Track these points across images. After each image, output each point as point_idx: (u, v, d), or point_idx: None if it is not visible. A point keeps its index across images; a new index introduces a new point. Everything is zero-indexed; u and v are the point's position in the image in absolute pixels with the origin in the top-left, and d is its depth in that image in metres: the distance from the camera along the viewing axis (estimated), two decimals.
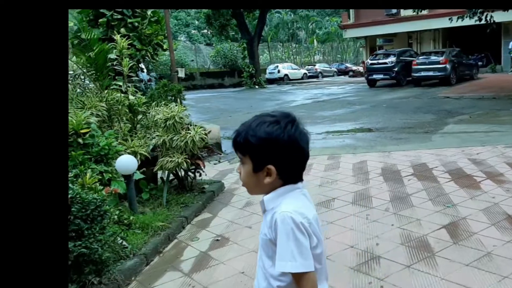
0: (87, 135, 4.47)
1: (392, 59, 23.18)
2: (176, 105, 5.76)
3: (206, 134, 5.84)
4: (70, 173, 3.49)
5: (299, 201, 1.45)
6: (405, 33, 31.68)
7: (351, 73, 40.26)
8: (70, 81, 6.39)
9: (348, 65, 46.37)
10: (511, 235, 3.86)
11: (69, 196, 2.73)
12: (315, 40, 54.64)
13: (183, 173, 5.83)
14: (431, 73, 21.51)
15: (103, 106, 5.87)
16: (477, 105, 13.72)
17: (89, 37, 6.52)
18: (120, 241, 3.48)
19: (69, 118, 4.65)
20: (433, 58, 22.00)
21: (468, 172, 6.17)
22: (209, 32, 50.83)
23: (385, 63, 23.23)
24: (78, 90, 6.17)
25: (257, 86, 30.08)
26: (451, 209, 4.67)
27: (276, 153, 1.42)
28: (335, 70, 44.04)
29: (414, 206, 4.87)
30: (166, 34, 10.83)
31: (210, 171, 7.31)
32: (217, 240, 4.32)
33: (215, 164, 8.28)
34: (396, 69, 22.88)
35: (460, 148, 7.94)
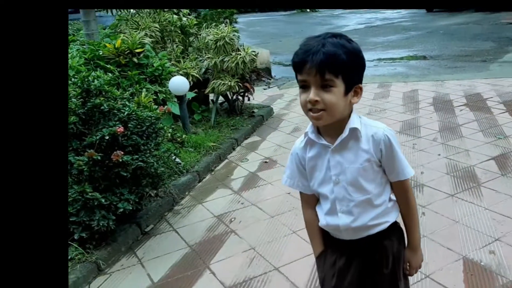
0: (141, 55, 4.53)
1: None
2: (225, 26, 5.67)
3: (256, 56, 5.76)
4: (126, 92, 3.57)
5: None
6: None
7: None
8: None
9: None
10: None
11: (126, 113, 2.82)
12: None
13: (232, 96, 5.87)
14: None
15: (156, 27, 5.87)
16: None
17: None
18: (174, 158, 3.64)
19: (125, 38, 4.71)
20: None
21: None
22: None
23: None
24: (133, 10, 6.15)
25: (308, 10, 28.77)
26: (503, 141, 4.48)
27: (362, 70, 1.36)
28: None
29: (463, 136, 4.70)
30: None
31: (259, 96, 7.32)
32: (266, 162, 4.43)
33: (264, 89, 8.25)
34: None
35: None
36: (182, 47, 6.03)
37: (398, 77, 8.47)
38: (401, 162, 1.41)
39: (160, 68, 4.64)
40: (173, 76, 4.75)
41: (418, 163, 4.03)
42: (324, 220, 1.48)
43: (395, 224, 1.50)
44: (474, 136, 4.69)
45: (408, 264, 1.55)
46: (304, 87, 1.31)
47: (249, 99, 6.06)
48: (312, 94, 1.28)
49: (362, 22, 19.76)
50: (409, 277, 1.60)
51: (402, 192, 1.48)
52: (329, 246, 1.54)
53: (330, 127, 1.37)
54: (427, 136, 4.80)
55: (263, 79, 8.95)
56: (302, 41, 1.34)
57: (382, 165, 1.41)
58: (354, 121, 1.36)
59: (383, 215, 1.44)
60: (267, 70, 9.47)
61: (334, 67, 1.26)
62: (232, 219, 3.28)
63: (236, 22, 8.48)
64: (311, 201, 1.54)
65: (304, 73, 1.27)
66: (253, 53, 5.64)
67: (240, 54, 5.45)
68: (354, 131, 1.37)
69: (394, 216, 1.48)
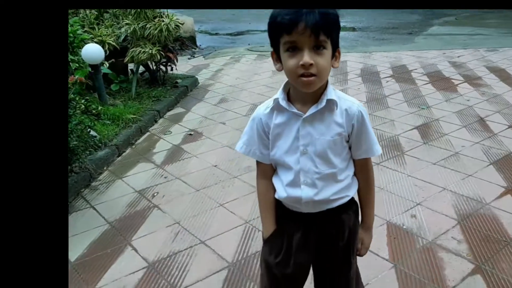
0: None
1: None
2: None
3: (181, 23, 5.63)
4: None
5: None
6: None
7: None
8: None
9: None
10: (480, 136, 4.04)
11: None
12: None
13: (154, 66, 5.71)
14: None
15: None
16: None
17: None
18: (89, 131, 3.48)
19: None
20: None
21: (447, 75, 6.26)
22: None
23: None
24: None
25: None
26: (425, 111, 4.81)
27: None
28: None
29: (389, 107, 4.97)
30: None
31: (183, 66, 7.19)
32: (190, 134, 4.38)
33: (189, 59, 8.11)
34: None
35: (441, 50, 7.95)
36: (96, 13, 5.71)
37: None
38: (372, 139, 1.43)
39: (71, 35, 4.38)
40: (86, 44, 4.51)
41: None
42: (284, 192, 1.45)
43: (352, 199, 1.51)
44: (399, 107, 4.97)
45: (361, 243, 1.58)
46: (294, 49, 1.24)
47: (172, 69, 5.93)
48: (307, 57, 1.22)
49: None
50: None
51: (365, 171, 1.50)
52: (282, 220, 1.51)
53: (308, 95, 1.34)
54: None
55: (187, 48, 8.78)
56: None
57: (350, 141, 1.41)
58: (331, 92, 1.35)
59: (345, 190, 1.45)
60: (192, 39, 9.29)
61: (328, 27, 1.23)
62: (155, 194, 3.23)
63: None
64: (268, 171, 1.50)
65: (295, 34, 1.21)
66: (178, 20, 5.50)
67: (163, 21, 5.28)
68: (330, 103, 1.34)
69: (354, 191, 1.49)
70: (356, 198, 1.53)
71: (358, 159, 1.45)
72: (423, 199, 3.02)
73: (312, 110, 1.34)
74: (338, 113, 1.36)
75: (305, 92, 1.32)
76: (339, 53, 1.34)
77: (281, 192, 1.46)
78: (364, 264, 2.38)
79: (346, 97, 1.39)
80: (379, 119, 4.58)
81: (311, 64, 1.23)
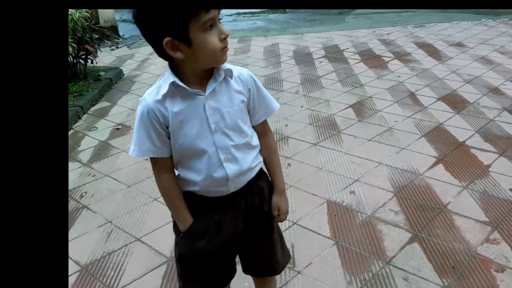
0: None
1: None
2: None
3: (92, 14, 5.46)
4: None
5: None
6: None
7: None
8: None
9: None
10: (412, 110, 4.28)
11: None
12: None
13: (71, 59, 5.50)
14: None
15: None
16: None
17: None
18: None
19: None
20: None
21: (377, 53, 6.54)
22: None
23: None
24: None
25: None
26: (359, 89, 5.00)
27: None
28: None
29: (323, 87, 5.13)
30: None
31: (106, 57, 6.99)
32: (118, 129, 4.28)
33: (112, 49, 7.88)
34: None
35: (371, 29, 8.29)
36: None
37: (258, 31, 8.80)
38: (268, 96, 1.52)
39: None
40: None
41: (282, 116, 4.29)
42: (206, 180, 1.42)
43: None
44: (333, 87, 5.14)
45: (278, 209, 1.62)
46: (211, 27, 1.27)
47: (92, 62, 5.74)
48: (224, 29, 1.29)
49: None
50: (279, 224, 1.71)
51: (268, 133, 1.57)
52: (204, 210, 1.50)
53: (206, 72, 1.35)
54: (290, 89, 5.12)
55: (109, 39, 8.53)
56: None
57: (250, 106, 1.47)
58: (225, 63, 1.38)
59: (258, 155, 1.53)
60: (114, 29, 9.03)
61: None
62: (83, 194, 3.13)
63: None
64: (168, 164, 1.46)
65: (211, 11, 1.24)
66: (86, 12, 5.32)
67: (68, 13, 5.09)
68: (227, 72, 1.38)
69: (261, 157, 1.57)
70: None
71: (259, 123, 1.52)
72: (360, 175, 3.15)
73: (212, 85, 1.35)
74: (233, 82, 1.41)
75: (203, 70, 1.34)
76: None
77: (203, 180, 1.43)
78: (306, 243, 2.48)
79: (232, 66, 1.43)
80: (314, 100, 4.71)
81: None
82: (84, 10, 5.29)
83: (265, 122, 1.54)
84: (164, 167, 1.46)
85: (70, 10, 5.07)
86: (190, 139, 1.38)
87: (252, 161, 1.49)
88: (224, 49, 1.30)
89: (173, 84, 1.32)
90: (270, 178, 1.63)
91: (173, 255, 2.44)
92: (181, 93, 1.34)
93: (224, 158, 1.41)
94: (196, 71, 1.34)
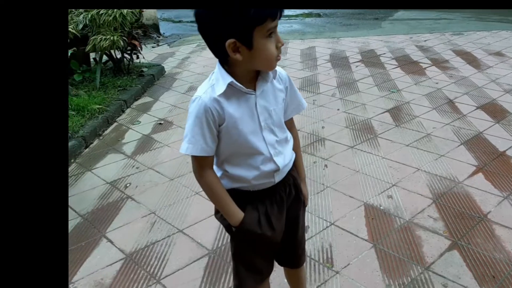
0: None
1: None
2: None
3: (140, 11, 5.55)
4: None
5: None
6: None
7: None
8: None
9: None
10: (450, 117, 4.19)
11: None
12: None
13: (118, 55, 5.61)
14: None
15: None
16: None
17: None
18: None
19: None
20: None
21: (415, 59, 6.43)
22: None
23: None
24: None
25: None
26: (395, 94, 4.93)
27: None
28: None
29: (360, 91, 5.08)
30: None
31: (148, 54, 7.10)
32: (160, 123, 4.35)
33: (153, 47, 8.01)
34: None
35: (408, 35, 8.15)
36: None
37: (294, 34, 8.77)
38: (299, 94, 1.61)
39: None
40: None
41: (319, 118, 4.27)
42: (258, 174, 1.46)
43: None
44: (369, 91, 5.08)
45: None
46: (271, 34, 1.31)
47: (137, 57, 5.84)
48: (281, 39, 1.35)
49: None
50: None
51: (294, 128, 1.67)
52: (248, 206, 1.51)
53: (254, 74, 1.40)
54: (326, 92, 5.09)
55: (151, 35, 8.66)
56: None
57: (285, 102, 1.53)
58: None
59: (292, 148, 1.60)
60: (155, 27, 9.17)
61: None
62: (128, 185, 3.20)
63: None
64: (211, 161, 1.47)
65: (276, 20, 1.29)
66: None
67: None
68: (274, 74, 1.45)
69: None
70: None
71: (289, 118, 1.60)
72: (398, 180, 3.11)
73: (262, 85, 1.41)
74: (275, 81, 1.47)
75: (254, 71, 1.39)
76: None
77: (253, 176, 1.46)
78: (344, 245, 2.46)
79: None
80: (351, 103, 4.67)
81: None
82: None
83: (292, 117, 1.63)
84: (209, 164, 1.47)
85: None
86: (244, 136, 1.40)
87: (291, 153, 1.58)
88: (278, 57, 1.35)
89: (230, 84, 1.34)
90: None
91: (214, 248, 2.47)
92: (236, 93, 1.37)
93: (274, 152, 1.47)
94: (249, 72, 1.38)
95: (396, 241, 2.47)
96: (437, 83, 5.28)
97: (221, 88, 1.34)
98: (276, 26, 1.31)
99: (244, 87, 1.36)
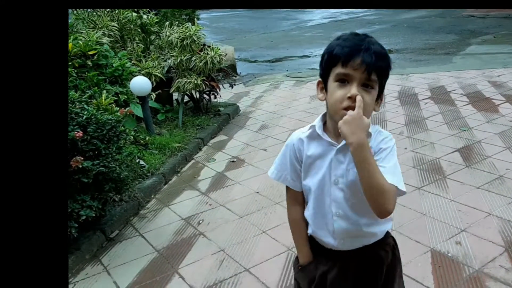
0: (95, 57, 4.43)
1: None
2: (191, 25, 5.64)
3: (224, 56, 5.77)
4: (85, 94, 3.52)
5: None
6: None
7: None
8: None
9: None
10: None
11: (85, 117, 2.77)
12: None
13: (198, 95, 5.85)
14: None
15: (114, 26, 5.76)
16: (503, 24, 13.09)
17: None
18: (138, 161, 3.59)
19: (81, 37, 4.60)
20: None
21: (487, 95, 6.06)
22: None
23: None
24: (89, 9, 6.01)
25: None
26: (466, 133, 4.66)
27: None
28: None
29: (429, 129, 4.86)
30: None
31: (224, 93, 7.30)
32: (233, 161, 4.43)
33: (230, 87, 8.24)
34: None
35: (481, 70, 7.72)
36: (143, 46, 5.95)
37: None
38: (397, 168, 1.31)
39: (120, 68, 4.55)
40: (134, 76, 4.68)
41: None
42: (316, 225, 1.42)
43: (388, 233, 1.47)
44: (439, 129, 4.85)
45: None
46: (343, 81, 1.24)
47: (215, 97, 6.05)
48: (355, 90, 1.22)
49: (327, 16, 20.03)
50: None
51: None
52: (317, 255, 1.46)
53: None
54: (394, 130, 4.93)
55: (229, 77, 8.94)
56: (337, 37, 1.29)
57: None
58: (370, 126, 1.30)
59: (378, 223, 1.39)
60: (232, 67, 9.46)
61: (381, 70, 1.26)
62: (200, 221, 3.27)
63: (198, 19, 8.43)
64: (299, 198, 1.47)
65: (350, 67, 1.22)
66: (221, 53, 5.65)
67: (208, 54, 5.43)
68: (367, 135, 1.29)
69: (389, 225, 1.45)
70: (392, 233, 1.48)
71: None
72: (467, 225, 2.90)
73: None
74: (372, 139, 1.32)
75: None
76: (382, 99, 1.35)
77: (313, 224, 1.43)
78: None
79: (383, 131, 1.37)
80: (419, 142, 4.48)
81: (352, 97, 1.24)
82: (219, 52, 5.56)
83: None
84: (294, 199, 1.49)
85: (209, 52, 5.39)
86: (313, 183, 1.39)
87: (366, 225, 1.37)
88: (345, 109, 1.23)
89: (313, 127, 1.37)
90: (397, 253, 1.51)
91: None
92: (318, 139, 1.37)
93: (336, 212, 1.37)
94: (334, 122, 1.30)
95: None
96: (511, 121, 4.92)
97: (308, 130, 1.39)
98: (351, 76, 1.23)
99: (325, 136, 1.34)
